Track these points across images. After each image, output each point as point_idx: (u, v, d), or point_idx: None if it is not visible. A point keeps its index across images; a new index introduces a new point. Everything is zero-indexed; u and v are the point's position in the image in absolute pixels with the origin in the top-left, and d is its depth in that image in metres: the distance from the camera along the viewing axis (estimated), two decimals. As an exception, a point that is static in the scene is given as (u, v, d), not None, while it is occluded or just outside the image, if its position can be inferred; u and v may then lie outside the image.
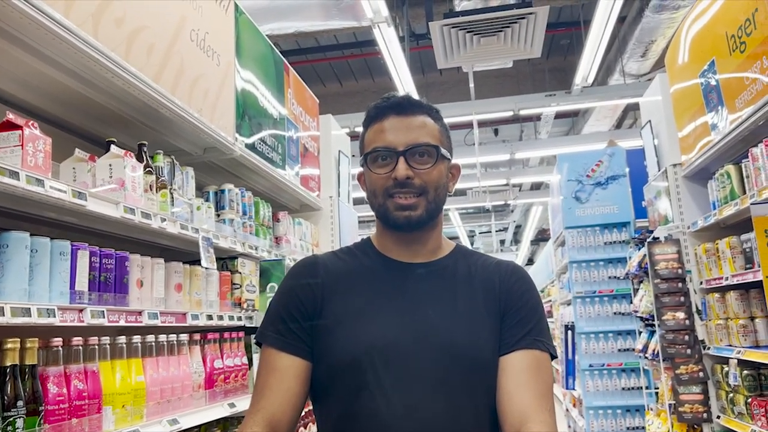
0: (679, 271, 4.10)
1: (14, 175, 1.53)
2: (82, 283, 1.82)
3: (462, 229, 15.30)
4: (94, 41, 1.94)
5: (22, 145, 1.64)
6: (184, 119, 2.51)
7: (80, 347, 1.75)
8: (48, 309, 1.60)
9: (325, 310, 1.33)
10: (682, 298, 4.08)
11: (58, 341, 1.67)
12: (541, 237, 17.31)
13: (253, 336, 2.97)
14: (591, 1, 6.79)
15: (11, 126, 1.66)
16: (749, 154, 3.18)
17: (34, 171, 1.63)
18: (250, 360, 2.88)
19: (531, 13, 3.99)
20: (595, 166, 6.94)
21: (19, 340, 1.52)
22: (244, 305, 2.94)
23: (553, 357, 1.37)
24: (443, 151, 1.38)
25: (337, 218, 4.67)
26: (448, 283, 1.37)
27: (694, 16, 3.76)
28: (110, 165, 2.11)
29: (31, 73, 2.04)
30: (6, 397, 1.45)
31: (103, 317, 1.82)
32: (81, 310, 1.75)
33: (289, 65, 4.06)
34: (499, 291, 1.37)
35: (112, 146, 2.16)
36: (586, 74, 5.57)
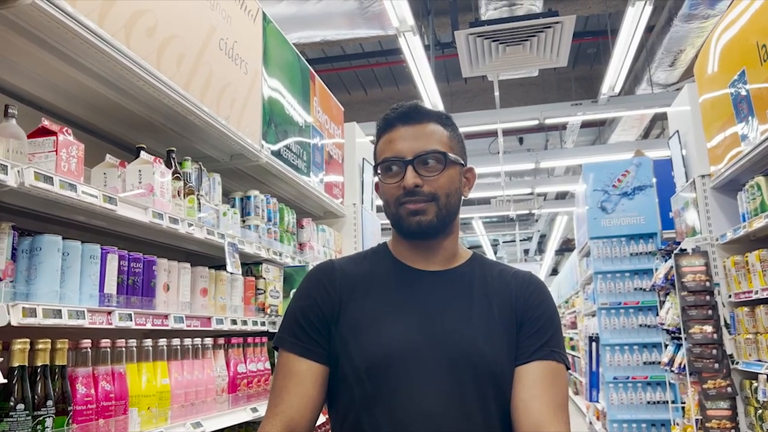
0: (707, 283, 4.03)
1: (48, 180, 1.57)
2: (111, 286, 1.86)
3: (485, 238, 15.21)
4: (127, 50, 1.99)
5: (56, 151, 1.68)
6: (211, 126, 2.55)
7: (108, 349, 1.78)
8: (78, 311, 1.63)
9: (342, 314, 1.34)
10: (710, 311, 4.00)
11: (87, 343, 1.71)
12: (566, 247, 17.14)
13: (276, 341, 3.00)
14: (619, 11, 6.75)
15: (46, 132, 1.70)
16: (781, 165, 3.12)
17: (67, 176, 1.67)
18: (273, 365, 2.90)
19: (557, 23, 3.98)
20: (622, 176, 6.87)
21: (49, 341, 1.56)
22: (268, 310, 2.96)
23: (568, 368, 1.36)
24: (452, 156, 1.37)
25: (360, 225, 4.69)
26: (464, 291, 1.37)
27: (723, 25, 3.71)
28: (140, 171, 2.16)
29: (65, 80, 2.10)
30: (36, 396, 1.49)
31: (131, 320, 1.86)
32: (109, 313, 1.78)
33: (315, 73, 4.10)
34: (515, 301, 1.37)
35: (142, 152, 2.21)
36: (613, 83, 5.52)
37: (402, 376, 1.25)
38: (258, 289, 2.94)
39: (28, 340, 1.50)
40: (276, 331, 2.98)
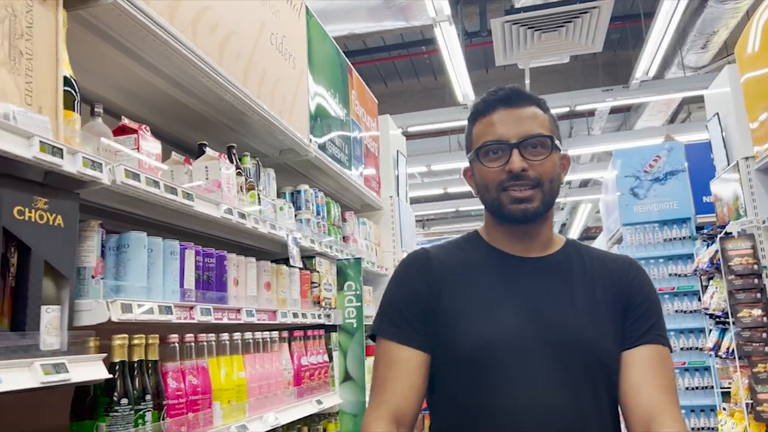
0: (755, 266, 3.98)
1: (136, 177, 1.58)
2: (190, 281, 1.88)
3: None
4: (194, 47, 2.00)
5: (138, 149, 1.70)
6: (268, 122, 2.56)
7: (192, 344, 1.80)
8: (166, 306, 1.65)
9: (442, 302, 1.33)
10: (758, 295, 3.96)
11: (174, 338, 1.73)
12: (586, 235, 17.02)
13: (333, 334, 3.02)
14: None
15: (127, 130, 1.72)
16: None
17: (149, 173, 1.69)
18: (330, 357, 2.92)
19: (594, 7, 3.94)
20: (654, 161, 6.80)
21: (144, 336, 1.57)
22: (323, 303, 2.97)
23: (671, 351, 1.35)
24: (557, 141, 1.36)
25: (397, 217, 4.69)
26: (565, 277, 1.36)
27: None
28: (206, 167, 2.17)
29: (132, 79, 2.11)
30: (135, 391, 1.51)
31: (210, 315, 1.87)
32: (191, 308, 1.80)
33: (352, 66, 4.10)
34: (619, 286, 1.36)
35: (207, 149, 2.22)
36: (647, 68, 5.46)
37: (511, 364, 1.25)
38: (313, 283, 2.96)
39: (127, 335, 1.52)
40: (331, 323, 3.01)
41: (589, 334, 1.29)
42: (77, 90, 1.50)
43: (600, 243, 10.29)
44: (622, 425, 1.33)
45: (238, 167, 2.39)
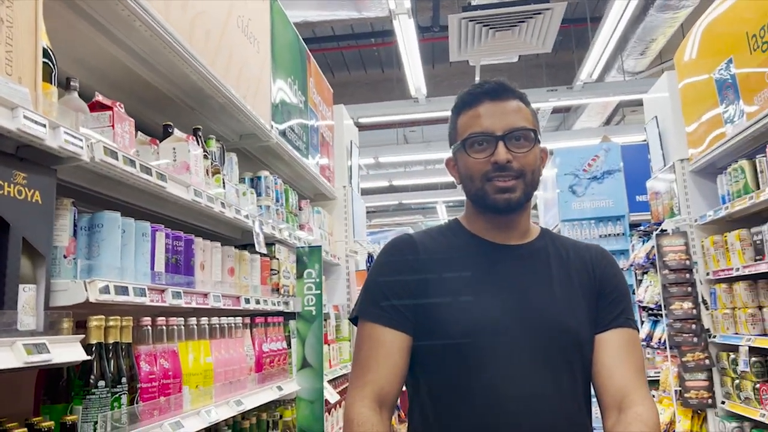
0: (687, 262, 4.23)
1: (114, 155, 1.54)
2: (160, 264, 1.84)
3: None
4: (165, 22, 1.95)
5: (112, 126, 1.65)
6: (234, 105, 2.53)
7: (164, 327, 1.77)
8: (141, 288, 1.61)
9: (427, 286, 1.36)
10: (689, 288, 4.22)
11: (147, 321, 1.69)
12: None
13: (291, 321, 3.01)
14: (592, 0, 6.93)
15: (101, 106, 1.67)
16: (766, 149, 3.31)
17: (126, 152, 1.64)
18: (288, 344, 2.92)
19: (548, 9, 4.07)
20: (592, 160, 7.09)
21: (119, 318, 1.54)
22: (282, 290, 2.96)
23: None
24: (539, 134, 1.41)
25: (350, 207, 4.71)
26: (543, 264, 1.42)
27: (710, 15, 3.88)
28: (174, 148, 2.12)
29: (93, 51, 2.02)
30: (111, 374, 1.47)
31: (180, 298, 1.84)
32: (163, 291, 1.77)
33: (310, 54, 4.07)
34: (593, 273, 1.43)
35: (175, 130, 2.17)
36: (592, 71, 5.68)
37: (492, 348, 1.30)
38: (272, 270, 2.94)
39: (103, 317, 1.48)
40: (290, 310, 3.00)
41: (567, 318, 1.35)
42: (55, 62, 1.44)
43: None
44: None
45: (204, 150, 2.35)
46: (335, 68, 10.10)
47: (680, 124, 4.43)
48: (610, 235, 6.94)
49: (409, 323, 1.36)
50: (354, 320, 1.42)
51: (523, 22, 4.30)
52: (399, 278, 1.39)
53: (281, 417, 2.84)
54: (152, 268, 1.80)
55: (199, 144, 2.33)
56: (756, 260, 3.55)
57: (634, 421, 1.27)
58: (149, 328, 1.70)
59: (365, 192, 9.79)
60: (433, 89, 9.66)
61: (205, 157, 2.32)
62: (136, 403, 1.56)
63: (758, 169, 3.48)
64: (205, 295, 2.06)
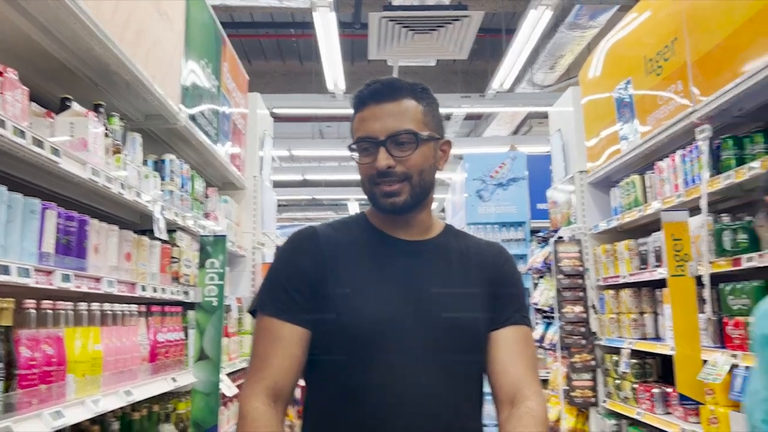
0: (580, 268, 4.49)
1: (1, 123, 1.43)
2: (49, 244, 1.73)
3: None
4: (71, -10, 1.83)
5: (2, 93, 1.53)
6: (141, 84, 2.42)
7: (50, 311, 1.66)
8: (25, 269, 1.51)
9: (327, 280, 1.35)
10: (581, 293, 4.47)
11: (31, 303, 1.58)
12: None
13: (191, 311, 2.92)
14: (508, 12, 7.18)
15: (-11, 71, 1.54)
16: (655, 166, 3.57)
17: (15, 122, 1.53)
18: (186, 334, 2.83)
19: (467, 16, 4.18)
20: (499, 167, 7.37)
21: (-2, 299, 1.43)
22: (182, 279, 2.87)
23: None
24: (424, 135, 1.38)
25: (260, 199, 4.63)
26: (443, 260, 1.44)
27: (613, 37, 4.13)
28: (71, 123, 2.01)
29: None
30: (-14, 359, 1.37)
31: (69, 281, 1.74)
32: (50, 273, 1.66)
33: (226, 38, 3.97)
34: (491, 270, 1.46)
35: (74, 104, 2.05)
36: (503, 80, 5.89)
37: (388, 342, 1.30)
38: (173, 258, 2.84)
39: (-21, 297, 1.37)
40: (190, 300, 2.91)
41: (462, 314, 1.38)
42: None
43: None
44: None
45: (106, 128, 2.23)
46: (252, 55, 9.88)
47: (581, 137, 4.68)
48: (511, 239, 7.23)
49: (306, 317, 1.33)
50: (253, 313, 1.39)
51: (442, 26, 4.40)
52: (297, 270, 1.36)
53: (175, 409, 2.74)
54: (40, 247, 1.69)
55: (100, 121, 2.21)
56: (640, 269, 3.82)
57: (525, 416, 1.31)
58: (33, 311, 1.59)
59: (277, 185, 9.67)
60: (351, 86, 9.67)
61: (106, 135, 2.21)
62: (13, 389, 1.46)
63: (647, 185, 3.75)
64: (98, 279, 1.96)
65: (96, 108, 2.25)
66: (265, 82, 9.83)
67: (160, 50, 2.63)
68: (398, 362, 1.30)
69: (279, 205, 5.39)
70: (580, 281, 4.47)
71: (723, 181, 2.78)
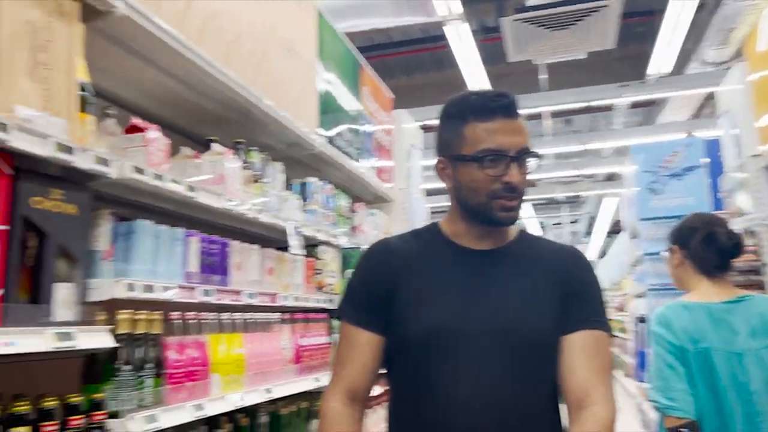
0: (757, 263, 4.03)
1: (140, 171, 1.78)
2: (193, 265, 2.08)
3: (534, 221, 15.18)
4: (200, 51, 2.18)
5: (145, 145, 1.90)
6: (271, 119, 2.75)
7: (193, 321, 2.00)
8: (167, 287, 1.85)
9: (398, 290, 1.45)
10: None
11: (176, 315, 1.93)
12: (615, 229, 16.89)
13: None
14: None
15: (136, 129, 1.92)
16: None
17: (155, 167, 1.89)
18: (332, 339, 3.11)
19: (604, 6, 4.01)
20: (671, 156, 6.79)
21: (146, 312, 1.78)
22: (326, 289, 3.16)
23: (611, 335, 1.47)
24: (540, 155, 1.46)
25: (409, 209, 4.85)
26: (513, 267, 1.48)
27: (774, 4, 3.68)
28: (212, 161, 2.37)
29: (143, 78, 2.30)
30: (138, 359, 1.72)
31: (210, 295, 2.07)
32: (192, 289, 2.00)
33: (365, 65, 4.26)
34: (562, 274, 1.47)
35: (214, 144, 2.41)
36: (660, 64, 5.48)
37: (454, 350, 1.38)
38: (316, 269, 3.14)
39: (131, 310, 1.72)
40: (333, 307, 3.20)
41: (532, 320, 1.41)
42: (92, 94, 1.70)
43: (623, 237, 10.27)
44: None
45: (245, 161, 2.58)
46: (406, 71, 10.23)
47: (751, 119, 4.21)
48: (691, 234, 6.62)
49: (380, 325, 1.46)
50: (339, 318, 1.57)
51: (579, 20, 4.26)
52: (371, 281, 1.50)
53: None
54: (185, 268, 2.04)
55: (240, 156, 2.57)
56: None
57: (588, 420, 1.32)
58: (180, 321, 1.94)
59: (430, 193, 9.90)
60: (509, 86, 9.60)
61: (245, 168, 2.56)
62: (162, 385, 1.80)
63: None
64: (238, 292, 2.28)
65: (235, 145, 2.61)
66: (424, 96, 10.11)
67: (291, 84, 2.96)
68: (462, 369, 1.37)
69: (433, 212, 5.56)
70: (756, 278, 4.02)
71: None
